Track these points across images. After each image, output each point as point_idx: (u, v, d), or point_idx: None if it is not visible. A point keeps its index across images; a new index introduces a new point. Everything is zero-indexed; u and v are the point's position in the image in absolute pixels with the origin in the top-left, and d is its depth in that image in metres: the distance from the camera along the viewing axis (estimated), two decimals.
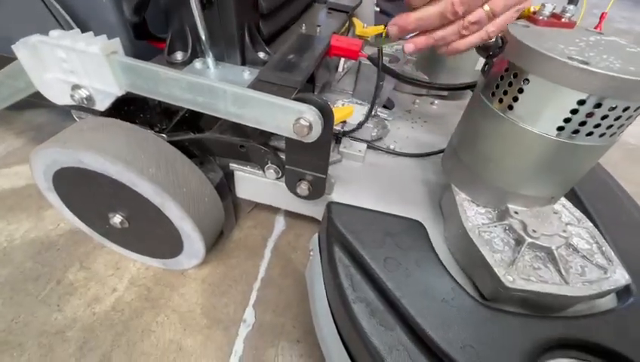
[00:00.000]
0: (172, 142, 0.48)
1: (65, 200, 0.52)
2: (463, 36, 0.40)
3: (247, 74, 0.49)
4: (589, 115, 0.30)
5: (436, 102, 0.73)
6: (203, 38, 0.46)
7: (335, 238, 0.40)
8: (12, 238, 0.61)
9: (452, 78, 0.67)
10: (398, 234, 0.40)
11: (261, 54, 0.52)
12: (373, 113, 0.59)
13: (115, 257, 0.59)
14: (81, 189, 0.49)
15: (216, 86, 0.37)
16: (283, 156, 0.47)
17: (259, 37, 0.52)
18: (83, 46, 0.38)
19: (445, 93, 0.73)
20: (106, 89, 0.41)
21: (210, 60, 0.49)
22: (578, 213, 0.42)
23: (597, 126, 0.31)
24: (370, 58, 0.53)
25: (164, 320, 0.52)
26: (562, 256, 0.36)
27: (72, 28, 0.49)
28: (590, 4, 0.64)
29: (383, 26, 0.44)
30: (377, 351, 0.31)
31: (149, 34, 0.52)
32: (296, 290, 0.57)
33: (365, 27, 0.51)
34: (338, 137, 0.55)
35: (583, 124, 0.31)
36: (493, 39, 0.40)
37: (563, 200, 0.42)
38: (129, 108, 0.53)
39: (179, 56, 0.51)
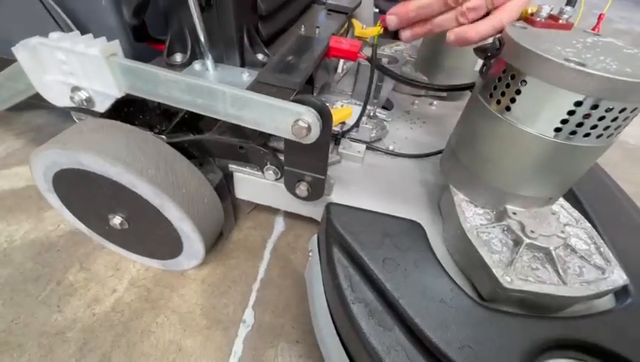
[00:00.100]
0: (171, 144, 0.48)
1: (65, 201, 0.53)
2: (460, 23, 0.39)
3: (246, 75, 0.49)
4: (586, 116, 0.30)
5: (435, 102, 0.73)
6: (202, 39, 0.46)
7: (334, 239, 0.40)
8: (12, 239, 0.61)
9: (451, 78, 0.67)
10: (397, 235, 0.40)
11: (260, 56, 0.52)
12: (372, 114, 0.60)
13: (114, 258, 0.59)
14: (80, 190, 0.49)
15: (216, 88, 0.37)
16: (282, 157, 0.47)
17: (258, 38, 0.52)
18: (83, 48, 0.38)
19: (444, 93, 0.73)
20: (106, 91, 0.41)
21: (209, 62, 0.49)
22: (576, 214, 0.42)
23: (594, 127, 0.31)
24: (369, 59, 0.53)
25: (164, 320, 0.52)
26: (560, 257, 0.36)
27: (71, 30, 0.49)
28: (590, 4, 0.64)
29: (378, 23, 0.44)
30: (376, 352, 0.31)
31: (149, 36, 0.52)
32: (296, 291, 0.57)
33: (364, 28, 0.52)
34: (337, 138, 0.55)
35: (580, 125, 0.31)
36: (491, 40, 0.41)
37: (561, 200, 0.43)
38: (129, 109, 0.53)
39: (178, 58, 0.51)
